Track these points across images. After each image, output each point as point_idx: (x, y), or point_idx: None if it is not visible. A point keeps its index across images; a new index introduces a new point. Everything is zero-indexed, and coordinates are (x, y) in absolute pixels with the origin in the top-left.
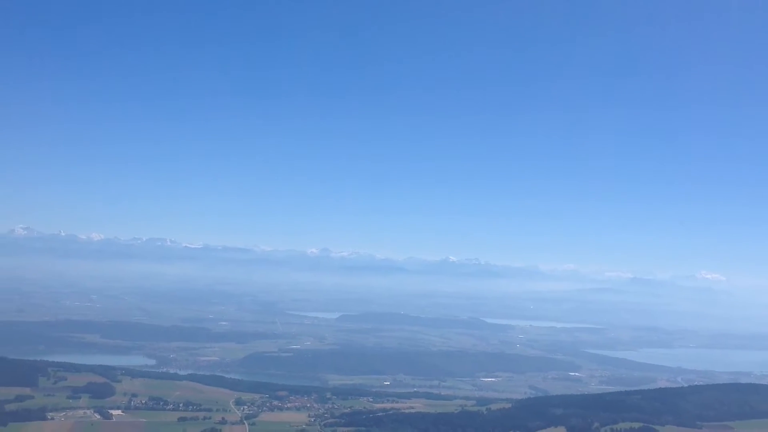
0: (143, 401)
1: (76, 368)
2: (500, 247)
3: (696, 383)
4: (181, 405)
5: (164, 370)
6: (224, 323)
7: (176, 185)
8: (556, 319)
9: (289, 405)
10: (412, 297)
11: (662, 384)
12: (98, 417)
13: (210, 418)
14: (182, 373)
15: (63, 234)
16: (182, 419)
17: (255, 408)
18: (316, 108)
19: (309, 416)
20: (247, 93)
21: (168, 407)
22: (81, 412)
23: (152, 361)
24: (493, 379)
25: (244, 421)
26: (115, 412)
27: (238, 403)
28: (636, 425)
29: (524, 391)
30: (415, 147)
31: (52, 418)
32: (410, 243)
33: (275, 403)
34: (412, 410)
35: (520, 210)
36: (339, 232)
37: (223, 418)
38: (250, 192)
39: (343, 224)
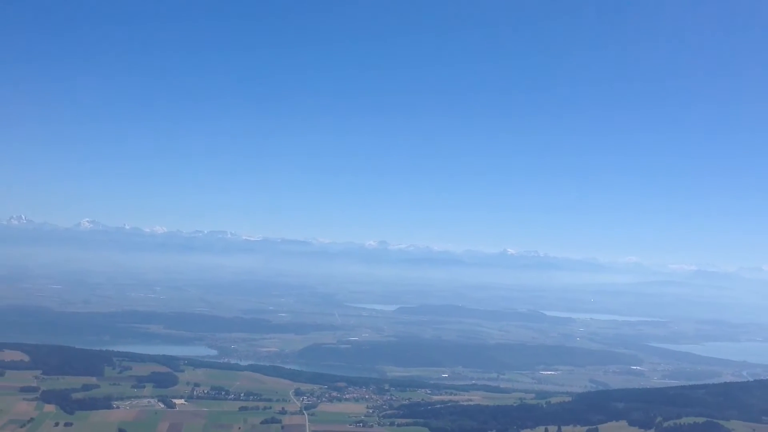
0: (205, 391)
1: (140, 358)
2: (560, 239)
3: (762, 378)
4: (242, 395)
5: (225, 360)
6: (283, 315)
7: (237, 179)
8: (618, 312)
9: (347, 396)
10: (470, 289)
11: (727, 378)
12: (162, 406)
13: (270, 408)
14: (243, 363)
15: (128, 227)
16: (243, 409)
17: (314, 398)
18: (374, 104)
19: (367, 407)
20: (306, 89)
21: (229, 397)
22: (145, 401)
23: (214, 352)
24: (552, 373)
25: (304, 412)
26: (178, 401)
27: (298, 393)
28: (700, 420)
29: (585, 385)
30: (474, 141)
31: (118, 407)
32: (468, 235)
33: (334, 393)
34: (471, 403)
35: (580, 201)
36: (397, 224)
37: (283, 408)
38: (309, 185)
39: (401, 217)
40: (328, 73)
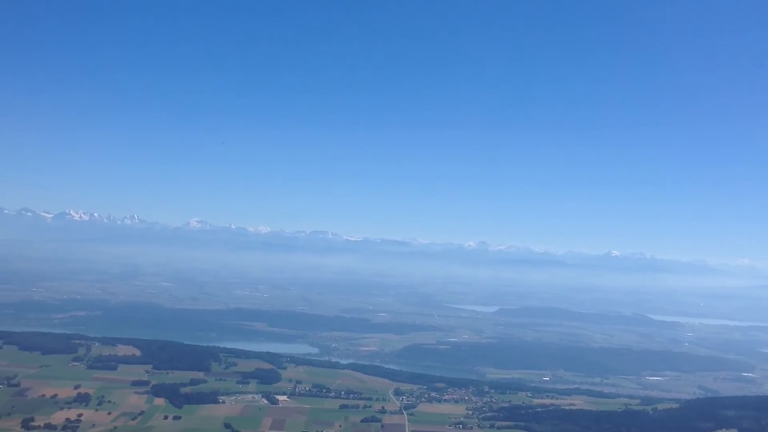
0: (307, 388)
1: (245, 355)
2: (667, 240)
3: None
4: (342, 393)
5: (326, 358)
6: (383, 314)
7: (339, 181)
8: (728, 317)
9: (447, 397)
10: (572, 292)
11: None
12: (265, 402)
13: (370, 406)
14: (343, 362)
15: (233, 227)
16: (344, 407)
17: (413, 398)
18: (477, 108)
19: (467, 409)
20: (408, 92)
21: (330, 395)
22: (250, 396)
23: (315, 350)
24: (659, 378)
25: (403, 411)
26: (281, 398)
27: (397, 393)
28: None
29: (693, 392)
30: (576, 140)
31: (224, 402)
32: (570, 236)
33: (433, 394)
34: (573, 407)
35: (690, 202)
36: (497, 225)
37: (382, 408)
38: (409, 187)
39: (500, 218)
40: (435, 76)
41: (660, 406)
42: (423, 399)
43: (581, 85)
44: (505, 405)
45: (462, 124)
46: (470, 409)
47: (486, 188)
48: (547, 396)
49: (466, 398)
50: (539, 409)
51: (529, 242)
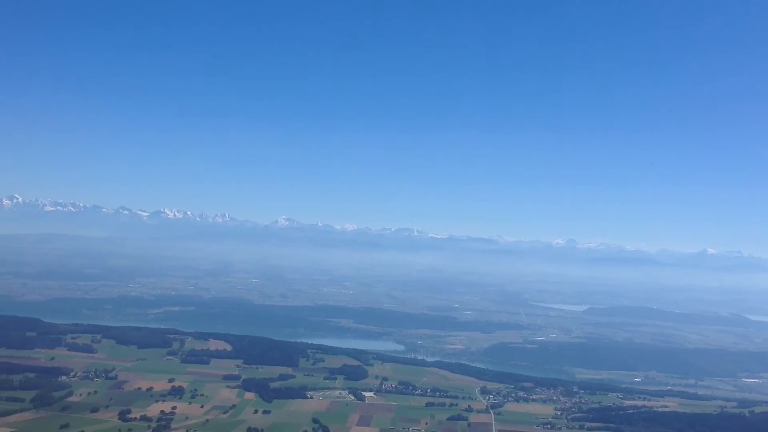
0: (393, 385)
1: (332, 351)
2: (766, 238)
3: None
4: (428, 391)
5: (412, 356)
6: (469, 312)
7: (424, 179)
8: None
9: (534, 397)
10: (665, 291)
11: None
12: (352, 398)
13: (456, 405)
14: (429, 359)
15: (320, 224)
16: (430, 404)
17: (500, 398)
18: (557, 107)
19: (555, 409)
20: (476, 97)
21: (416, 392)
22: (337, 392)
23: (401, 347)
24: (756, 380)
25: (490, 410)
26: (367, 394)
27: (484, 392)
28: None
29: None
30: (669, 136)
31: (312, 397)
32: (663, 234)
33: (520, 393)
34: (666, 409)
35: None
36: (586, 222)
37: (469, 406)
38: (494, 183)
39: (590, 215)
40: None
41: (758, 409)
42: (510, 398)
43: (680, 84)
44: (594, 406)
45: (551, 122)
46: (559, 410)
47: (575, 185)
48: (639, 397)
49: (555, 398)
50: (630, 411)
51: (620, 240)
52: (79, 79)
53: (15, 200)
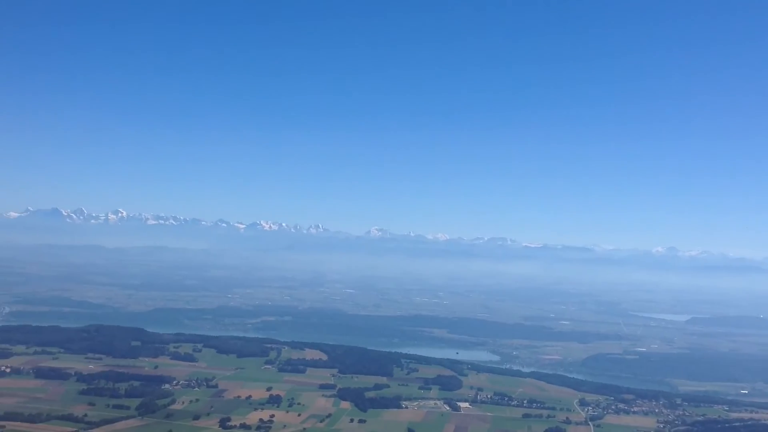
0: (488, 396)
1: (426, 361)
2: None
3: None
4: (525, 402)
5: (507, 366)
6: (565, 322)
7: (515, 188)
8: None
9: (635, 409)
10: None
11: None
12: (447, 408)
13: (554, 416)
14: (525, 370)
15: (412, 234)
16: (527, 416)
17: (599, 410)
18: (669, 104)
19: (657, 422)
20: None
21: (512, 403)
22: (431, 402)
23: (496, 357)
24: None
25: (589, 423)
26: (462, 405)
27: (582, 403)
28: None
29: None
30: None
31: (406, 407)
32: None
33: (621, 405)
34: None
35: None
36: (687, 230)
37: (567, 418)
38: (590, 191)
39: (691, 222)
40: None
41: None
42: (610, 410)
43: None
44: (699, 419)
45: (649, 128)
46: (661, 422)
47: (676, 192)
48: (746, 410)
49: (656, 411)
50: (737, 424)
51: (723, 247)
52: (179, 101)
53: (120, 215)
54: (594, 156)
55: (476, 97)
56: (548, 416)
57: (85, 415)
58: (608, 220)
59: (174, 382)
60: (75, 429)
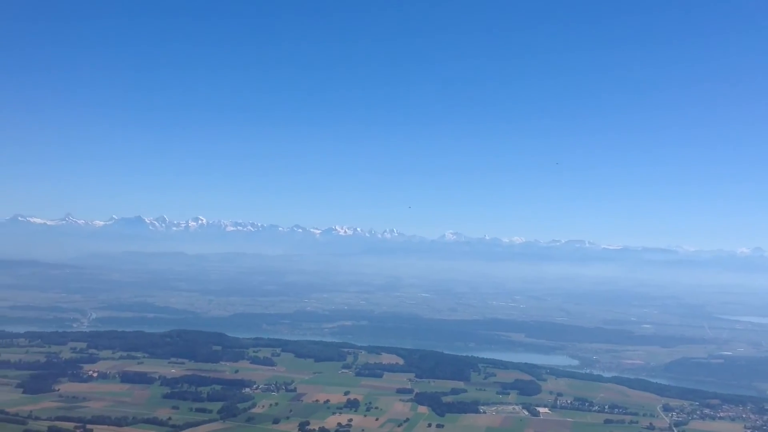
0: (568, 401)
1: (503, 365)
2: None
3: None
4: (606, 407)
5: (587, 371)
6: (647, 326)
7: (593, 189)
8: None
9: (721, 414)
10: None
11: None
12: (526, 413)
13: (636, 422)
14: (606, 375)
15: (488, 238)
16: (608, 421)
17: (684, 415)
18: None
19: (744, 427)
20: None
21: (593, 408)
22: (510, 407)
23: (575, 362)
24: None
25: (673, 428)
26: (542, 410)
27: (666, 409)
28: None
29: None
30: None
31: (484, 412)
32: None
33: (706, 411)
34: None
35: None
36: None
37: (650, 423)
38: (672, 192)
39: None
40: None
41: None
42: (695, 416)
43: None
44: None
45: (734, 128)
46: (749, 428)
47: (761, 192)
48: None
49: (744, 416)
50: None
51: None
52: (255, 110)
53: (200, 222)
54: (676, 156)
55: (549, 98)
56: (631, 422)
57: (169, 418)
58: (691, 221)
59: (254, 386)
60: None
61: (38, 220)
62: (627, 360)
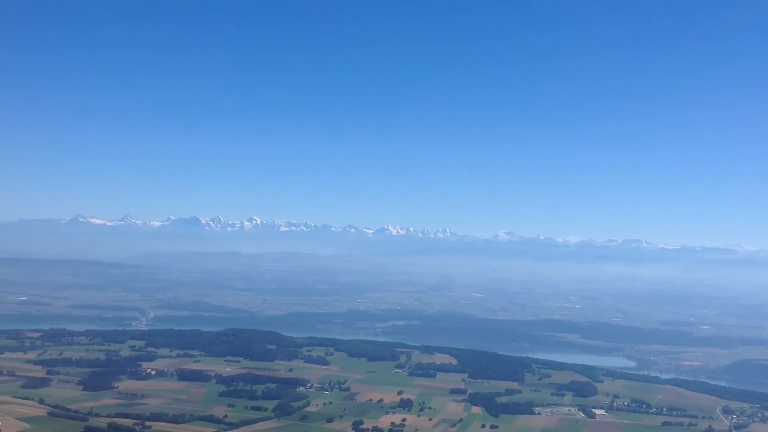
0: (625, 403)
1: (558, 366)
2: None
3: None
4: (664, 409)
5: (645, 372)
6: (706, 327)
7: (652, 187)
8: None
9: None
10: None
11: None
12: (582, 415)
13: (695, 424)
14: (664, 376)
15: (541, 237)
16: (666, 424)
17: (744, 418)
18: None
19: None
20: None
21: (651, 411)
22: (565, 409)
23: (632, 363)
24: None
25: (733, 431)
26: (598, 412)
27: (726, 411)
28: None
29: None
30: None
31: (539, 413)
32: None
33: (767, 414)
34: None
35: None
36: None
37: (710, 426)
38: (731, 189)
39: None
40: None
41: None
42: (755, 419)
43: None
44: None
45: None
46: None
47: None
48: None
49: None
50: None
51: None
52: (312, 112)
53: (254, 222)
54: (736, 154)
55: (610, 98)
56: (689, 424)
57: (225, 416)
58: (751, 219)
59: (308, 384)
60: (216, 430)
61: (98, 221)
62: (685, 362)
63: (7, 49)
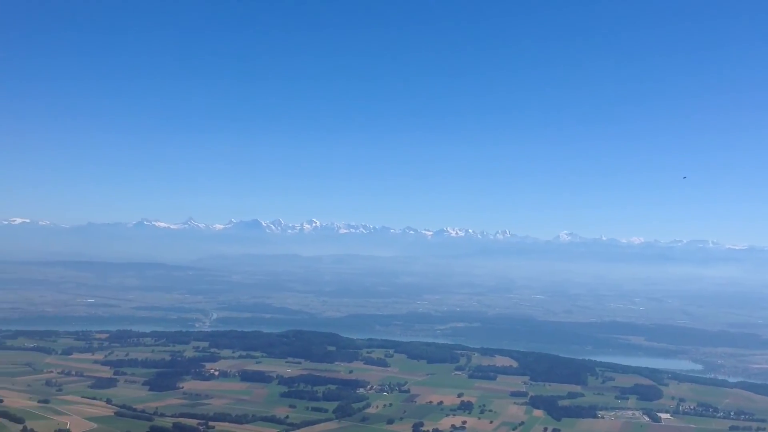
0: (691, 407)
1: (622, 369)
2: None
3: None
4: (732, 413)
5: (712, 376)
6: None
7: (717, 186)
8: None
9: None
10: None
11: None
12: (647, 419)
13: (764, 429)
14: (731, 380)
15: (604, 238)
16: (734, 428)
17: None
18: None
19: None
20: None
21: (718, 415)
22: (629, 412)
23: (698, 366)
24: None
25: None
26: (663, 416)
27: None
28: None
29: None
30: None
31: (602, 417)
32: None
33: None
34: None
35: None
36: None
37: None
38: None
39: None
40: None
41: None
42: None
43: None
44: None
45: None
46: None
47: None
48: None
49: None
50: None
51: None
52: (370, 114)
53: (314, 224)
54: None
55: (669, 98)
56: (758, 429)
57: (287, 416)
58: None
59: (368, 386)
60: (278, 430)
61: (162, 224)
62: (754, 365)
63: (80, 53)
